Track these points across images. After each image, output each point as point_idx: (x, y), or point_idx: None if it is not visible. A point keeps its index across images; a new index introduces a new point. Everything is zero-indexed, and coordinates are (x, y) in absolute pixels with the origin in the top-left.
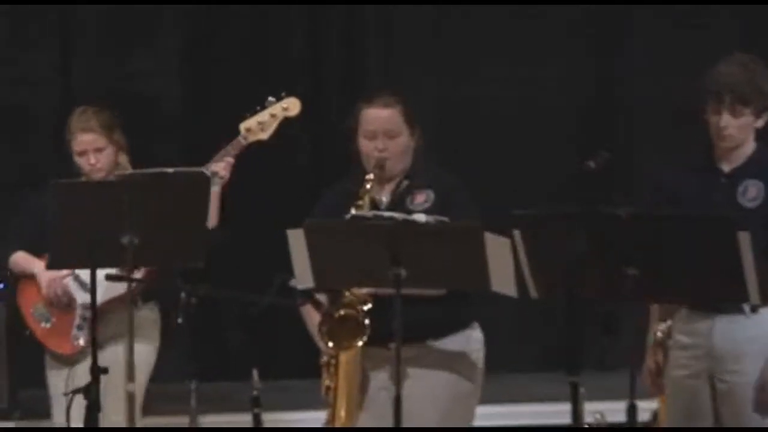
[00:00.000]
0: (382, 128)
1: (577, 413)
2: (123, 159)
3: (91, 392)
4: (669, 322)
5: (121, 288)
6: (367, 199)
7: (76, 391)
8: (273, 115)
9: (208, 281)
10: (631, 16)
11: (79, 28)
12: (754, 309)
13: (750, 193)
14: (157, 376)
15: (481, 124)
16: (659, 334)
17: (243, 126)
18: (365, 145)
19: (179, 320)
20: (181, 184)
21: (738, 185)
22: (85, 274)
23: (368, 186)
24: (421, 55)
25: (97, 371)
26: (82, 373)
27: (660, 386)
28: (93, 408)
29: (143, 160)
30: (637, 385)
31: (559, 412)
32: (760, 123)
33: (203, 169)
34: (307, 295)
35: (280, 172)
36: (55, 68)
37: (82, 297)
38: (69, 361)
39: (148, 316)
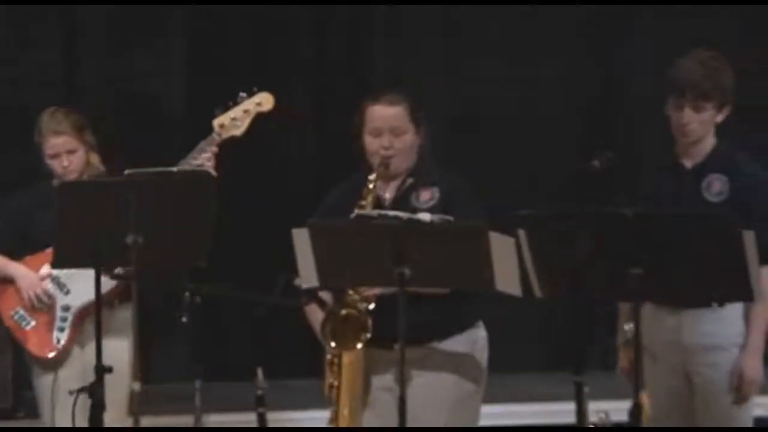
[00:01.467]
0: (388, 126)
1: (581, 413)
2: (94, 159)
3: (96, 391)
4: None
5: (102, 289)
6: (371, 197)
7: (81, 390)
8: (246, 111)
9: (212, 280)
10: (632, 15)
11: (82, 29)
12: (721, 304)
13: (714, 187)
14: (161, 375)
15: (485, 124)
16: (628, 333)
17: (216, 122)
18: (371, 143)
19: (183, 319)
20: (186, 183)
21: (701, 180)
22: (64, 275)
23: (372, 185)
24: (425, 55)
25: (101, 370)
26: (65, 379)
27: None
28: (97, 407)
29: (147, 160)
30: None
31: (564, 412)
32: (719, 118)
33: (208, 169)
34: (312, 295)
35: (286, 171)
36: (58, 69)
37: (61, 299)
38: (52, 365)
39: (126, 316)
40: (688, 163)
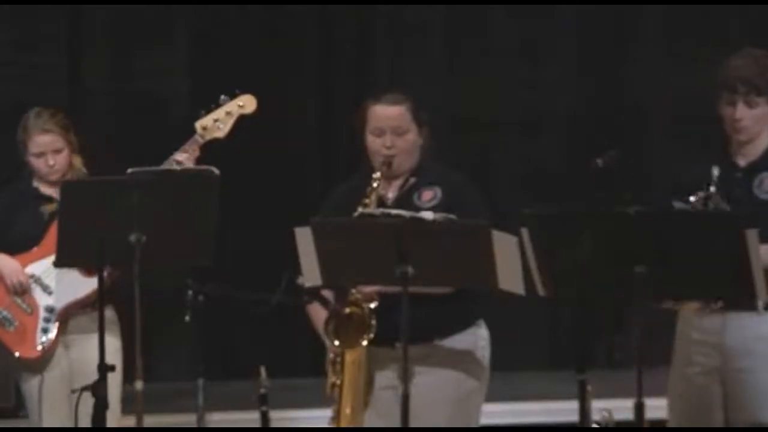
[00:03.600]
0: (390, 125)
1: (584, 411)
2: (77, 161)
3: (99, 390)
4: None
5: (84, 290)
6: (374, 196)
7: (85, 389)
8: (229, 113)
9: (215, 279)
10: (636, 16)
11: (88, 29)
12: (767, 307)
13: (766, 185)
14: (164, 374)
15: (487, 124)
16: None
17: (199, 124)
18: (373, 143)
19: (186, 318)
20: (189, 182)
21: (754, 178)
22: (47, 277)
23: (375, 184)
24: (428, 55)
25: (104, 368)
26: (54, 379)
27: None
28: (100, 406)
29: (151, 159)
30: (644, 383)
31: (567, 410)
32: None
33: (211, 168)
34: (314, 293)
35: (289, 169)
36: (61, 70)
37: (44, 300)
38: (38, 367)
39: (109, 316)
40: (742, 162)
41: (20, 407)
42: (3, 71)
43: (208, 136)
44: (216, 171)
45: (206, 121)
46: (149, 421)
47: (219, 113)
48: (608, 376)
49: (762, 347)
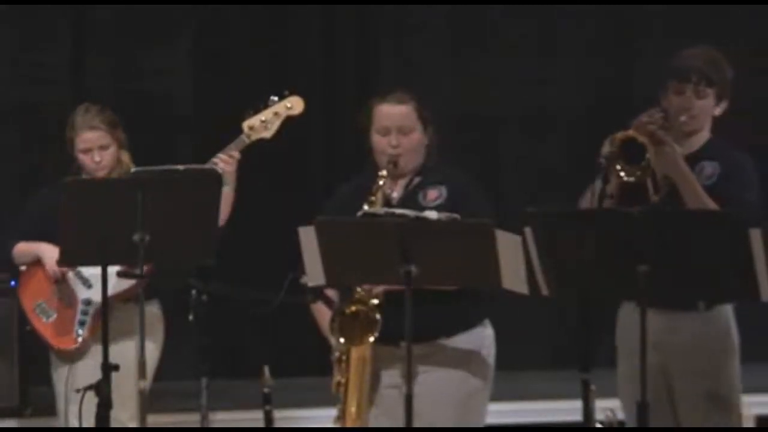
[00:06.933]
0: (396, 124)
1: (588, 410)
2: (125, 156)
3: (102, 389)
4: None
5: (124, 284)
6: (379, 195)
7: (88, 388)
8: (276, 114)
9: (219, 278)
10: (642, 13)
11: (92, 28)
12: (708, 306)
13: (706, 171)
14: (167, 373)
15: (491, 123)
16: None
17: (246, 124)
18: (378, 142)
19: (190, 317)
20: (193, 181)
21: (694, 167)
22: (87, 270)
23: (381, 182)
24: (433, 55)
25: (107, 368)
26: (82, 371)
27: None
28: (103, 405)
29: (155, 159)
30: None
31: (570, 410)
32: (717, 111)
33: (215, 167)
34: (318, 293)
35: (293, 169)
36: (66, 67)
37: (83, 293)
38: (70, 358)
39: (152, 313)
40: (682, 153)
41: (25, 406)
42: (6, 70)
43: (255, 137)
44: (219, 170)
45: (253, 121)
46: (152, 420)
47: (267, 114)
48: (612, 375)
49: (706, 345)
